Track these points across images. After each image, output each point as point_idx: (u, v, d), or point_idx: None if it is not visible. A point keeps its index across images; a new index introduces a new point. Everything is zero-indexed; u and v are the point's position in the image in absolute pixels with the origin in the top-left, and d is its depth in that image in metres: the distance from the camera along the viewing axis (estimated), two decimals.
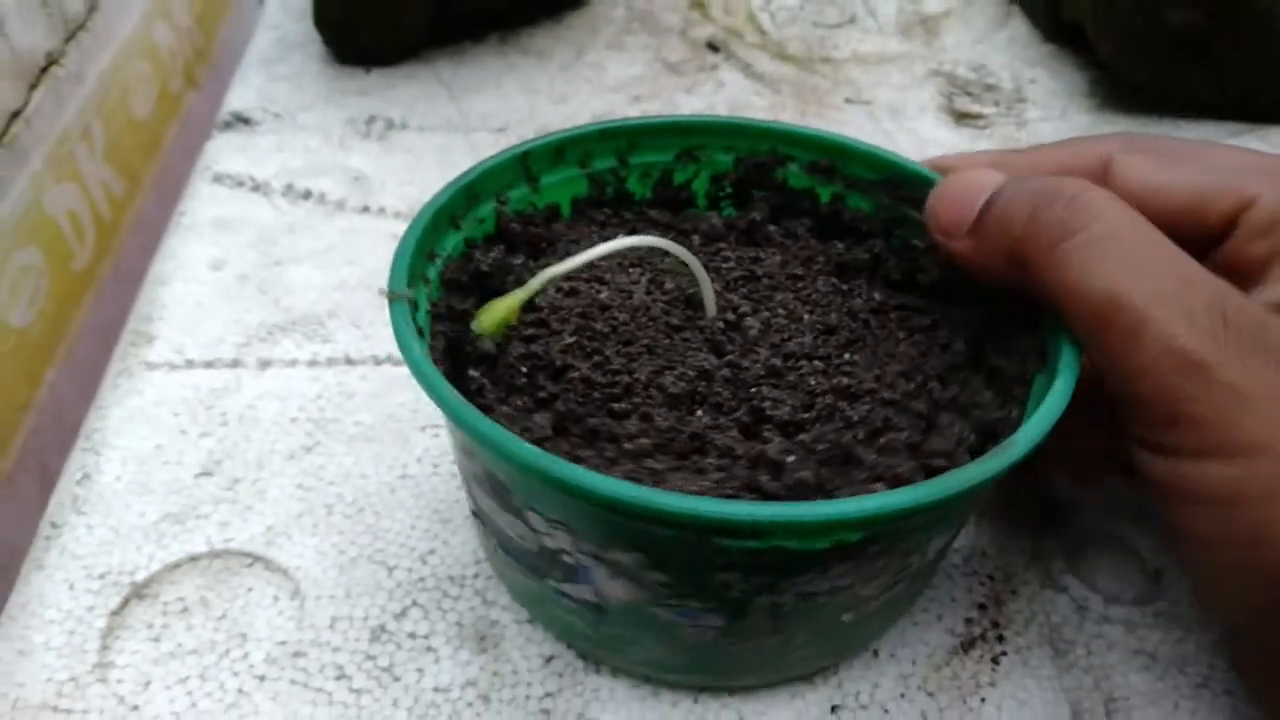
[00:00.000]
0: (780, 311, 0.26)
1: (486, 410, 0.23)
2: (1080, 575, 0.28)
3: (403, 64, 0.51)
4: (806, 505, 0.19)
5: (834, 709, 0.25)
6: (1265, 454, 0.19)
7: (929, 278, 0.27)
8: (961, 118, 0.50)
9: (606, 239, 0.26)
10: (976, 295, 0.26)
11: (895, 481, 0.21)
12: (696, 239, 0.29)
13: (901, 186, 0.28)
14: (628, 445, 0.22)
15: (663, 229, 0.30)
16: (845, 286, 0.27)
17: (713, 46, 0.55)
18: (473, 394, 0.24)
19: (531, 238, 0.28)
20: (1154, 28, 0.46)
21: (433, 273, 0.25)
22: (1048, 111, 0.50)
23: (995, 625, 0.27)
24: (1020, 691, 0.26)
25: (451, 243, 0.26)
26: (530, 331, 0.25)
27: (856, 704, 0.25)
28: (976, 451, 0.22)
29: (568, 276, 0.26)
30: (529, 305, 0.26)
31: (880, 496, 0.19)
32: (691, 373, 0.24)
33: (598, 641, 0.25)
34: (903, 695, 0.25)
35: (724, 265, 0.28)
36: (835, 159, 0.29)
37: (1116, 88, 0.51)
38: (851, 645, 0.26)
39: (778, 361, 0.24)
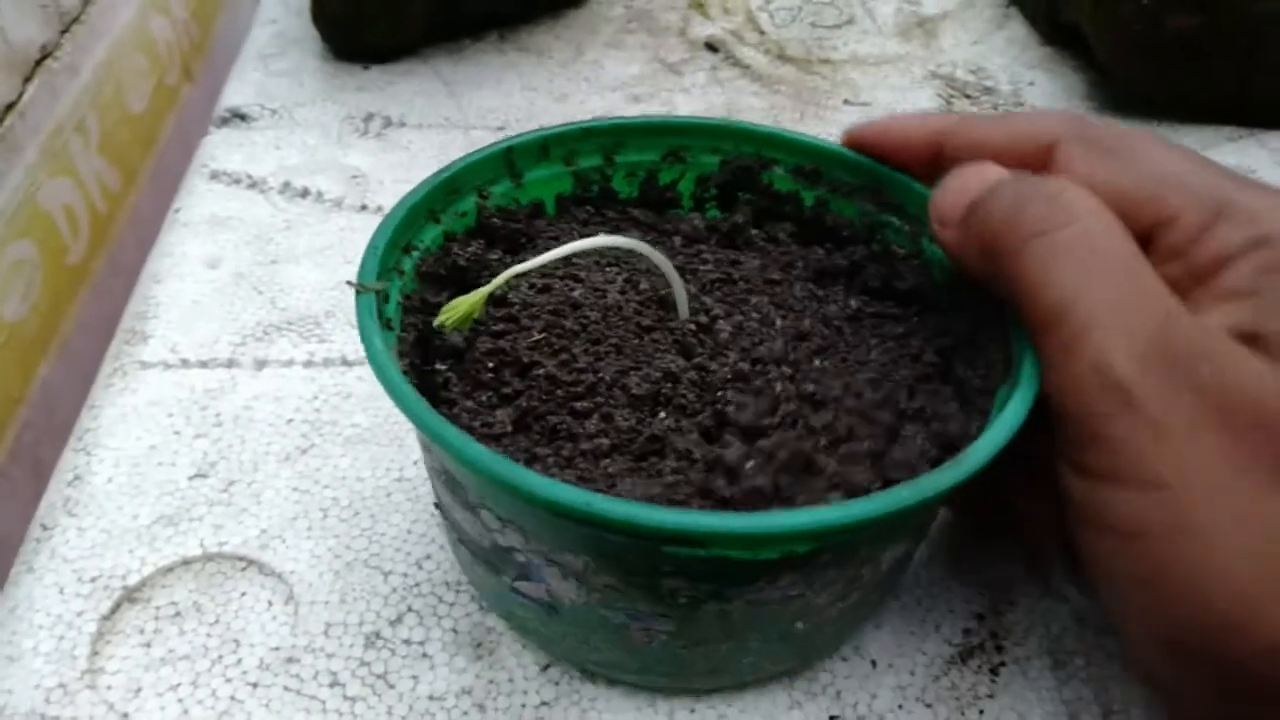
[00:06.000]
0: (754, 316, 0.26)
1: (450, 404, 0.23)
2: (1080, 585, 0.28)
3: (401, 61, 0.51)
4: (751, 517, 0.18)
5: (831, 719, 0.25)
6: (1170, 490, 0.19)
7: (906, 284, 0.27)
8: None
9: (588, 237, 0.26)
10: (954, 304, 0.26)
11: (852, 491, 0.21)
12: (678, 240, 0.29)
13: (883, 192, 0.28)
14: (585, 445, 0.22)
15: (645, 229, 0.29)
16: (822, 292, 0.27)
17: (711, 47, 0.55)
18: (438, 387, 0.24)
19: (511, 233, 0.28)
20: (1153, 32, 0.46)
21: (408, 265, 0.25)
22: None
23: (994, 635, 0.27)
24: (1019, 703, 0.25)
25: (430, 236, 0.26)
26: (499, 327, 0.25)
27: (854, 715, 0.25)
28: (938, 463, 0.22)
29: (542, 274, 0.26)
30: (500, 301, 0.26)
31: (828, 510, 0.19)
32: (657, 374, 0.23)
33: (552, 639, 0.25)
34: (900, 706, 0.25)
35: (702, 268, 0.28)
36: (820, 163, 0.29)
37: (1115, 91, 0.51)
38: (807, 653, 0.25)
39: (745, 366, 0.24)
